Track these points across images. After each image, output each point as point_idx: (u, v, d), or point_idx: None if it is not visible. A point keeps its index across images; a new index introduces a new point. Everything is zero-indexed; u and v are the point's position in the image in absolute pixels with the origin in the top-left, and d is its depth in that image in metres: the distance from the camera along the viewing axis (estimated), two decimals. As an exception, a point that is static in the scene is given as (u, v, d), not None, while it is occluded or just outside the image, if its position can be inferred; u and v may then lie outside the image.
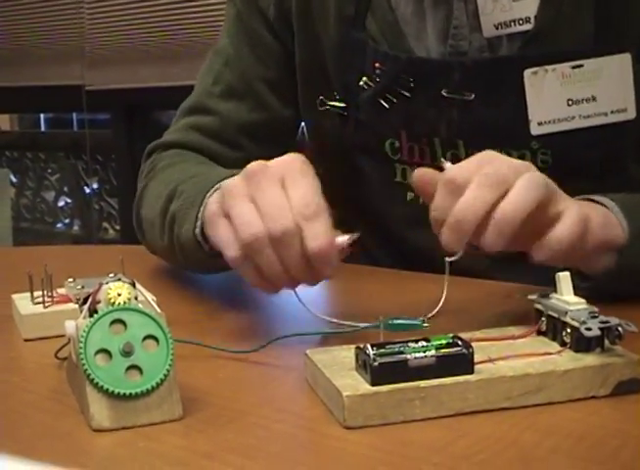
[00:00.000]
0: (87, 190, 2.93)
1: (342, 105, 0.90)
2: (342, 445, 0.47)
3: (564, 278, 0.58)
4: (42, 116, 3.43)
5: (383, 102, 0.87)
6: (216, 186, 0.71)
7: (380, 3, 0.87)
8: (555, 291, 0.58)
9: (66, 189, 3.03)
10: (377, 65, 0.86)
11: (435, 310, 0.64)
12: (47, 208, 3.08)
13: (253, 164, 0.65)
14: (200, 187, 0.75)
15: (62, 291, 0.72)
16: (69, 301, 0.70)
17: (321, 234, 0.60)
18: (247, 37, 0.96)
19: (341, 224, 1.02)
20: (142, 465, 0.46)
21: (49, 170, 3.06)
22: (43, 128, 3.49)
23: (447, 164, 0.61)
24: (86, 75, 2.54)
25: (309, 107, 0.95)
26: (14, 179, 3.10)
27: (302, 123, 1.02)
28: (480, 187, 0.57)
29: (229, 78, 0.97)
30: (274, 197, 0.61)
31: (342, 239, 0.62)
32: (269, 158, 0.96)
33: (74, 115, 3.23)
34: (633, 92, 0.81)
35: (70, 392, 0.56)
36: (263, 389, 0.57)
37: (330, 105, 0.91)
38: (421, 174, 0.63)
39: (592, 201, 0.69)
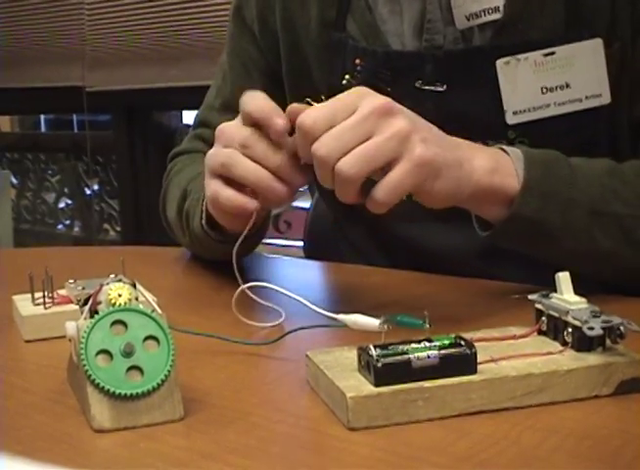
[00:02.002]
0: (88, 191, 2.93)
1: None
2: (344, 445, 0.47)
3: (563, 278, 0.58)
4: (42, 117, 3.44)
5: None
6: None
7: (358, 4, 0.89)
8: (555, 291, 0.58)
9: (66, 190, 3.03)
10: (357, 61, 0.88)
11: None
12: (48, 209, 3.08)
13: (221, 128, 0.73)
14: (202, 184, 0.80)
15: (62, 292, 0.72)
16: (70, 302, 0.71)
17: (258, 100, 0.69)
18: (237, 54, 1.02)
19: (334, 223, 1.03)
20: (143, 466, 0.46)
21: (49, 172, 3.06)
22: (44, 130, 3.50)
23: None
24: (87, 77, 2.54)
25: None
26: (14, 181, 3.10)
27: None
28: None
29: (225, 93, 1.03)
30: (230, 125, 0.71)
31: None
32: None
33: (75, 116, 3.24)
34: (607, 77, 0.81)
35: (71, 392, 0.56)
36: (264, 389, 0.57)
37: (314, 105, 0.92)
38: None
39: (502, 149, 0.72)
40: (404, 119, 0.63)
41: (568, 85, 0.82)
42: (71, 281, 0.72)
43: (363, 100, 0.64)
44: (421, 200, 0.67)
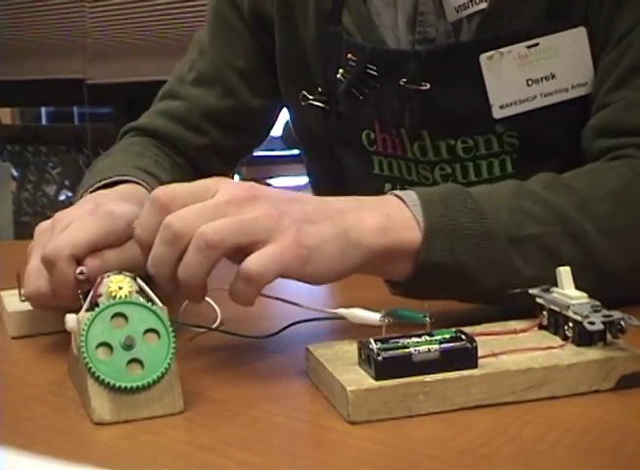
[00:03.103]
0: (88, 184, 2.93)
1: (323, 99, 0.91)
2: (344, 438, 0.47)
3: (564, 273, 0.57)
4: (43, 109, 3.43)
5: (357, 93, 0.87)
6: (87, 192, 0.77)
7: None
8: (555, 285, 0.58)
9: (67, 183, 3.03)
10: (349, 56, 0.87)
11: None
12: (48, 201, 3.08)
13: (59, 213, 0.67)
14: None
15: None
16: None
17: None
18: (222, 27, 0.98)
19: None
20: (143, 459, 0.46)
21: (50, 164, 3.06)
22: (44, 122, 3.49)
23: None
24: (87, 69, 2.54)
25: (293, 101, 0.96)
26: (15, 173, 3.10)
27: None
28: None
29: (201, 65, 0.99)
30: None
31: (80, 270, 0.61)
32: (235, 146, 1.01)
33: (75, 108, 3.23)
34: (592, 65, 0.81)
35: (71, 385, 0.56)
36: (264, 383, 0.57)
37: (311, 99, 0.92)
38: None
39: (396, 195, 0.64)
40: (268, 204, 0.57)
41: (553, 76, 0.81)
42: None
43: (223, 185, 0.58)
44: (301, 281, 0.58)
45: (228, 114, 0.98)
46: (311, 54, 0.92)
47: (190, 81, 0.99)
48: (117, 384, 0.50)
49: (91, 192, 0.77)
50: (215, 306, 0.67)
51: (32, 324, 0.69)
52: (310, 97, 0.93)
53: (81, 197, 0.77)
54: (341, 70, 0.88)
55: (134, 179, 0.78)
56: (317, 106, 0.92)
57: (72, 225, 0.63)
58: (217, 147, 0.99)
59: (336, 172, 0.96)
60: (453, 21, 0.84)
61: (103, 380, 0.50)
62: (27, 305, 0.69)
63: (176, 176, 0.90)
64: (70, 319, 0.53)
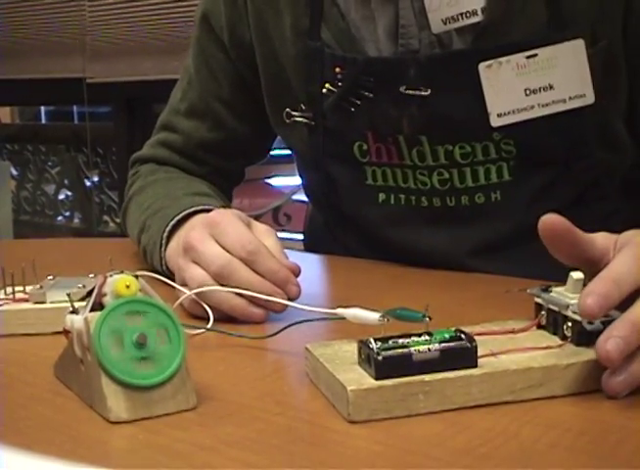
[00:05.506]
0: (88, 183, 2.93)
1: (308, 115, 0.91)
2: (344, 438, 0.47)
3: (577, 280, 0.56)
4: (43, 108, 3.44)
5: (347, 105, 0.87)
6: (169, 226, 0.82)
7: (331, 12, 0.88)
8: (554, 285, 0.58)
9: (66, 182, 3.03)
10: (337, 69, 0.87)
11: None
12: (47, 200, 3.08)
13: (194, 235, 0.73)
14: (159, 225, 0.84)
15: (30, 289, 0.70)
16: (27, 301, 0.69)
17: (273, 264, 0.69)
18: (204, 59, 1.01)
19: (325, 226, 1.05)
20: (141, 458, 0.46)
21: (49, 163, 3.06)
22: (44, 121, 3.50)
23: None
24: (87, 68, 2.54)
25: (278, 121, 0.97)
26: (14, 172, 3.10)
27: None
28: None
29: (191, 97, 1.03)
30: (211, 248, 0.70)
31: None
32: (237, 168, 1.09)
33: (75, 107, 3.24)
34: (590, 77, 0.81)
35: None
36: (264, 382, 0.57)
37: (296, 116, 0.92)
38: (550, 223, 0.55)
39: None
40: None
41: (551, 86, 0.81)
42: (50, 277, 0.71)
43: None
44: None
45: (221, 144, 1.03)
46: (291, 72, 0.92)
47: (183, 113, 1.04)
48: (133, 382, 0.50)
49: (174, 225, 0.82)
50: (207, 308, 0.67)
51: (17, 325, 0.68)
52: (294, 114, 0.93)
53: (166, 237, 0.82)
54: (327, 85, 0.88)
55: (210, 207, 0.82)
56: (302, 122, 0.92)
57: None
58: (220, 171, 1.05)
59: (325, 184, 0.96)
60: (439, 32, 0.83)
61: (118, 379, 0.50)
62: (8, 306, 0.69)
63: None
64: (75, 319, 0.52)
